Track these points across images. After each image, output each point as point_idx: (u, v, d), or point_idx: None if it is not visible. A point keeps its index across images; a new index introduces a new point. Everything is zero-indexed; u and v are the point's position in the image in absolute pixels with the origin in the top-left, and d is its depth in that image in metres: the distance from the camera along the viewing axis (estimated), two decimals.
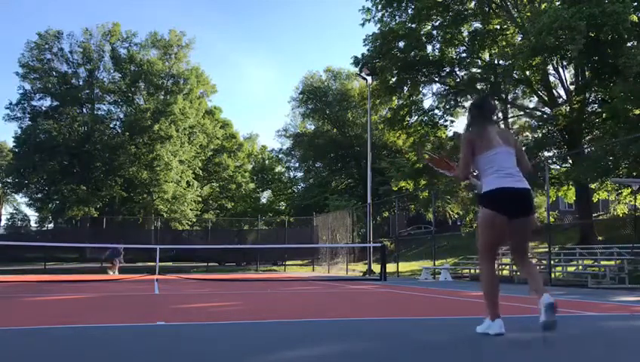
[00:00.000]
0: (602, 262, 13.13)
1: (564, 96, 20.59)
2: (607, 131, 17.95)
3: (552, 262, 12.75)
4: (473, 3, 21.94)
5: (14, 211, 53.41)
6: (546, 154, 20.87)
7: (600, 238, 18.52)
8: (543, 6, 19.07)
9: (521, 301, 6.69)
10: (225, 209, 45.65)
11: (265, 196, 52.03)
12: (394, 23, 22.02)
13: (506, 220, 3.68)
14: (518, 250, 3.88)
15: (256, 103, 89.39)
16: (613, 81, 16.42)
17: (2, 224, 44.69)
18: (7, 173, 36.84)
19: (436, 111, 23.43)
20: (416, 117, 23.62)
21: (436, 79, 22.66)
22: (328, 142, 41.39)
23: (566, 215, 29.44)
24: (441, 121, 23.47)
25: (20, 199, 47.08)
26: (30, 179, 35.08)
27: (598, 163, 15.87)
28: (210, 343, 3.49)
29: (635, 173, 15.44)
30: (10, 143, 38.86)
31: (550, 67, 19.82)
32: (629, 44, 16.18)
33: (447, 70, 22.31)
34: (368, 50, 21.69)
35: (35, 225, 40.02)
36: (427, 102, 31.94)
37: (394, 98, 23.23)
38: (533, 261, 13.01)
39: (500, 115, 22.65)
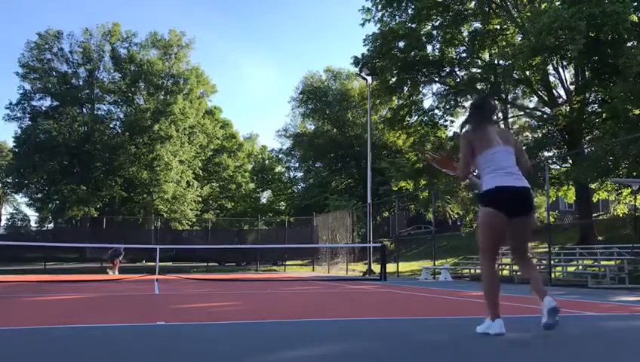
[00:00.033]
0: (602, 262, 13.13)
1: (564, 96, 20.60)
2: (607, 131, 17.95)
3: (552, 262, 12.76)
4: (473, 3, 21.94)
5: (14, 211, 53.50)
6: (546, 154, 20.90)
7: (600, 238, 18.52)
8: (543, 6, 19.07)
9: (521, 301, 6.68)
10: (225, 209, 45.66)
11: (265, 196, 52.07)
12: (394, 23, 22.02)
13: (506, 219, 3.68)
14: (518, 249, 3.90)
15: (256, 103, 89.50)
16: (613, 81, 16.42)
17: (2, 224, 44.74)
18: (7, 173, 36.86)
19: (436, 111, 23.47)
20: (416, 117, 23.63)
21: (436, 79, 22.66)
22: (328, 142, 41.40)
23: (566, 215, 29.44)
24: (441, 121, 23.49)
25: (20, 199, 47.17)
26: (30, 179, 35.09)
27: (598, 163, 15.87)
28: (210, 343, 3.49)
29: (635, 173, 15.44)
30: (10, 143, 38.94)
31: (550, 67, 19.82)
32: (629, 44, 16.18)
33: (447, 70, 22.31)
34: (368, 50, 21.70)
35: (35, 225, 40.10)
36: (427, 102, 31.98)
37: (394, 98, 23.23)
38: (534, 261, 13.00)
39: (500, 114, 22.65)
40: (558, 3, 17.67)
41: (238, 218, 40.84)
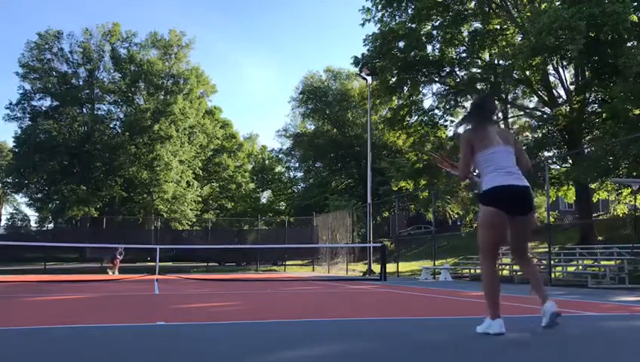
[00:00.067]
0: (602, 262, 13.13)
1: (564, 96, 20.59)
2: (607, 131, 17.95)
3: (552, 262, 12.76)
4: (473, 3, 21.94)
5: (14, 211, 53.51)
6: (546, 154, 20.90)
7: (600, 238, 18.52)
8: (543, 6, 19.07)
9: (521, 301, 6.69)
10: (225, 209, 45.66)
11: (265, 196, 52.08)
12: (394, 23, 22.01)
13: (506, 218, 3.69)
14: (519, 249, 3.91)
15: (256, 103, 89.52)
16: (613, 81, 16.42)
17: (2, 224, 44.74)
18: (7, 173, 36.86)
19: (436, 111, 23.46)
20: (416, 117, 23.63)
21: (436, 79, 22.66)
22: (328, 142, 41.40)
23: (566, 215, 29.44)
24: (441, 121, 23.49)
25: (20, 199, 47.18)
26: (30, 179, 35.09)
27: (598, 163, 15.87)
28: (210, 343, 3.49)
29: (635, 173, 15.44)
30: (10, 143, 38.94)
31: (550, 67, 19.82)
32: (629, 44, 16.17)
33: (447, 70, 22.31)
34: (368, 50, 21.69)
35: (35, 225, 40.10)
36: (427, 102, 31.96)
37: (394, 98, 23.23)
38: (534, 261, 13.01)
39: (500, 114, 22.65)
40: (558, 3, 17.67)
41: (238, 218, 40.84)
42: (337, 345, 3.46)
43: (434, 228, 20.19)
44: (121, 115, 38.29)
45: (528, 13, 20.26)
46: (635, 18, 15.54)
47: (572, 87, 20.31)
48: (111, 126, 37.86)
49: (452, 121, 23.59)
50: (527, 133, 22.57)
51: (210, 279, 15.19)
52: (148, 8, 70.46)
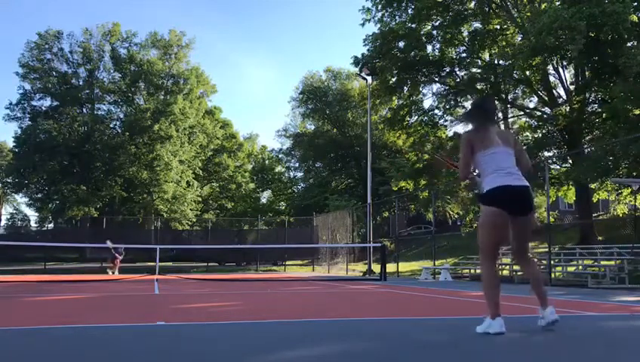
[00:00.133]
0: (602, 262, 13.13)
1: (564, 96, 20.59)
2: (607, 131, 17.95)
3: (552, 262, 12.76)
4: (473, 3, 21.93)
5: (14, 211, 53.52)
6: (546, 154, 20.90)
7: (600, 238, 18.52)
8: (543, 6, 19.07)
9: (521, 301, 6.69)
10: (225, 209, 45.66)
11: (265, 196, 52.07)
12: (394, 23, 22.01)
13: (508, 219, 3.71)
14: (520, 249, 3.94)
15: (256, 103, 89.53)
16: (613, 81, 16.42)
17: (2, 224, 44.77)
18: (7, 173, 36.86)
19: (436, 111, 23.46)
20: (416, 117, 23.63)
21: (436, 79, 22.66)
22: (328, 142, 41.40)
23: (566, 215, 29.44)
24: (441, 121, 23.49)
25: (20, 199, 47.18)
26: (30, 179, 35.09)
27: (598, 163, 15.87)
28: (210, 343, 3.49)
29: (635, 173, 15.44)
30: (10, 143, 38.94)
31: (550, 67, 19.82)
32: (629, 44, 16.17)
33: (447, 70, 22.30)
34: (368, 50, 21.69)
35: (35, 225, 40.10)
36: (427, 102, 32.00)
37: (394, 98, 23.23)
38: (534, 260, 13.01)
39: (500, 114, 22.65)
40: (558, 3, 17.66)
41: (238, 218, 40.84)
42: (337, 345, 3.46)
43: (434, 228, 20.19)
44: (121, 115, 38.30)
45: (528, 13, 20.26)
46: (635, 18, 15.54)
47: (572, 87, 20.31)
48: (111, 126, 37.86)
49: (452, 121, 23.63)
50: (527, 133, 22.58)
51: (210, 279, 15.19)
52: (148, 8, 70.54)
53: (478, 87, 21.52)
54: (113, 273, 19.44)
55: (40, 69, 35.86)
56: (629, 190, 18.60)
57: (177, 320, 5.00)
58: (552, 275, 12.62)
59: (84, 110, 37.55)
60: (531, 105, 23.36)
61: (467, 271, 17.00)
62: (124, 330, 4.33)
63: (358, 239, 26.84)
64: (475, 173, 4.13)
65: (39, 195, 37.16)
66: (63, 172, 34.38)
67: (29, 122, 35.61)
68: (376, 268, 18.01)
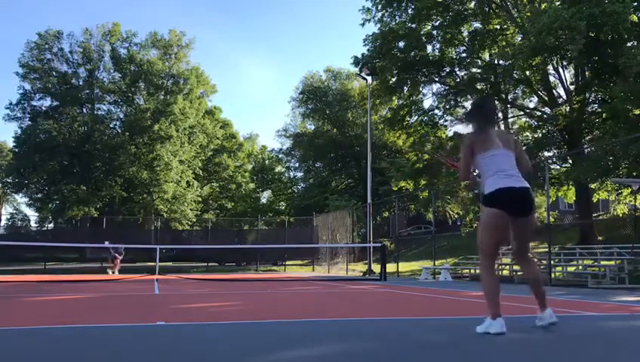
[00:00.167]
0: (602, 262, 13.13)
1: (564, 96, 20.59)
2: (607, 131, 17.95)
3: (552, 262, 12.76)
4: (473, 3, 21.93)
5: (14, 211, 53.53)
6: (546, 154, 20.90)
7: (600, 238, 18.51)
8: (543, 6, 19.07)
9: (521, 301, 6.68)
10: (225, 209, 45.66)
11: (265, 196, 52.08)
12: (394, 23, 22.01)
13: (509, 220, 3.74)
14: (520, 249, 3.97)
15: (256, 103, 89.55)
16: (613, 81, 16.42)
17: (2, 224, 44.76)
18: (7, 173, 36.86)
19: (436, 111, 23.46)
20: (416, 117, 23.63)
21: (436, 79, 22.66)
22: (328, 142, 41.40)
23: (566, 215, 29.44)
24: (441, 121, 23.49)
25: (20, 199, 47.20)
26: (30, 179, 35.10)
27: (598, 163, 15.87)
28: (210, 343, 3.49)
29: (635, 173, 15.44)
30: (10, 143, 38.95)
31: (550, 67, 19.82)
32: (629, 44, 16.17)
33: (447, 70, 22.30)
34: (368, 50, 21.69)
35: (35, 225, 40.10)
36: (427, 102, 31.98)
37: (394, 98, 23.23)
38: (534, 260, 13.02)
39: (500, 114, 22.64)
40: (558, 3, 17.66)
41: (238, 218, 40.84)
42: (337, 345, 3.46)
43: (434, 228, 20.19)
44: (121, 115, 38.31)
45: (528, 13, 20.26)
46: (635, 18, 15.54)
47: (572, 87, 20.30)
48: (111, 126, 37.87)
49: (452, 121, 23.63)
50: (527, 133, 22.58)
51: (210, 279, 15.19)
52: (148, 8, 70.55)
53: (478, 87, 21.52)
54: (113, 273, 19.44)
55: (40, 69, 35.87)
56: (629, 190, 18.60)
57: (177, 320, 5.00)
58: (552, 275, 12.62)
59: (84, 110, 37.56)
60: (531, 105, 23.39)
61: (467, 271, 17.00)
62: (124, 330, 4.33)
63: (358, 239, 26.83)
64: (475, 173, 4.16)
65: (39, 195, 37.17)
66: (63, 172, 34.38)
67: (29, 122, 35.63)
68: (376, 268, 18.01)
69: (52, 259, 25.94)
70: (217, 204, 45.93)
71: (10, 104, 36.60)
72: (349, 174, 41.40)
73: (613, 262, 12.86)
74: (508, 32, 21.66)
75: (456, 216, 32.17)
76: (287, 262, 27.80)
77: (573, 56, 16.20)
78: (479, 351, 3.18)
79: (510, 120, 24.47)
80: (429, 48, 22.47)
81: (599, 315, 5.57)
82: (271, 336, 3.89)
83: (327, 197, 34.88)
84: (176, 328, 4.44)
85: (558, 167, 20.66)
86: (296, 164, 47.19)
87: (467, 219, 29.78)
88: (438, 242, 20.67)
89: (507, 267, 14.99)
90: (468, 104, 22.19)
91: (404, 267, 20.52)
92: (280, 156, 48.33)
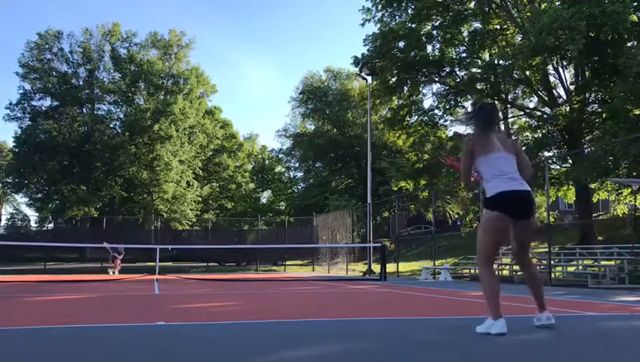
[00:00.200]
0: (602, 262, 13.12)
1: (564, 96, 20.60)
2: (607, 131, 17.95)
3: (552, 262, 12.76)
4: (473, 3, 21.93)
5: (14, 211, 53.51)
6: (546, 154, 20.90)
7: (600, 238, 18.51)
8: (543, 6, 19.07)
9: (521, 301, 6.68)
10: (225, 209, 45.66)
11: (265, 196, 52.07)
12: (394, 23, 22.02)
13: (510, 223, 3.77)
14: (520, 250, 4.02)
15: (256, 103, 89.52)
16: (613, 81, 16.42)
17: (2, 224, 44.76)
18: (7, 173, 36.86)
19: (436, 111, 23.45)
20: (416, 117, 23.63)
21: (436, 79, 22.66)
22: (328, 142, 41.40)
23: (566, 215, 29.43)
24: (441, 121, 23.49)
25: (20, 199, 47.18)
26: (30, 179, 35.10)
27: (598, 163, 15.87)
28: (210, 343, 3.49)
29: (635, 173, 15.44)
30: (10, 143, 38.95)
31: (550, 67, 19.82)
32: (629, 44, 16.17)
33: (447, 70, 22.30)
34: (368, 50, 21.69)
35: (35, 225, 40.11)
36: (427, 102, 31.97)
37: (394, 98, 23.23)
38: (534, 261, 13.04)
39: (500, 115, 22.63)
40: (558, 3, 17.66)
41: (238, 218, 40.84)
42: (337, 345, 3.46)
43: (434, 228, 20.18)
44: (121, 115, 38.31)
45: (528, 13, 20.26)
46: (635, 18, 15.54)
47: (572, 87, 20.30)
48: (111, 126, 37.87)
49: (452, 121, 23.63)
50: (527, 133, 22.59)
51: (210, 279, 15.19)
52: (148, 8, 70.54)
53: (478, 87, 21.53)
54: (114, 273, 19.45)
55: (40, 69, 35.86)
56: (629, 190, 18.60)
57: (177, 320, 5.00)
58: (552, 275, 12.62)
59: (84, 110, 37.56)
60: (531, 105, 23.39)
61: (467, 271, 17.00)
62: (124, 330, 4.33)
63: (358, 239, 26.83)
64: (474, 174, 4.19)
65: (39, 195, 37.16)
66: (63, 172, 34.38)
67: (29, 122, 35.63)
68: (376, 268, 18.01)
69: (52, 259, 25.94)
70: (217, 204, 45.93)
71: (10, 104, 36.66)
72: (349, 174, 41.40)
73: (613, 262, 12.86)
74: (508, 32, 21.66)
75: (456, 216, 32.17)
76: (287, 262, 27.79)
77: (573, 56, 16.20)
78: (479, 351, 3.18)
79: (510, 120, 24.47)
80: (429, 48, 22.51)
81: (599, 315, 5.57)
82: (271, 336, 3.89)
83: (327, 197, 34.88)
84: (176, 328, 4.44)
85: (558, 167, 20.66)
86: (296, 164, 47.21)
87: (467, 219, 29.79)
88: (438, 242, 20.67)
89: (507, 267, 14.99)
90: (468, 104, 22.23)
91: (404, 267, 20.52)
92: (280, 156, 48.37)
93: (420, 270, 18.04)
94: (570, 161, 19.47)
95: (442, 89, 23.15)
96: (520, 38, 20.70)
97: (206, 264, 26.64)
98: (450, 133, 23.65)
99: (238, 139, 48.42)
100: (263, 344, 3.48)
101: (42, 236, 31.01)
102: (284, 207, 46.67)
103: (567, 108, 19.47)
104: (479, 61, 22.21)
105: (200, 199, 39.84)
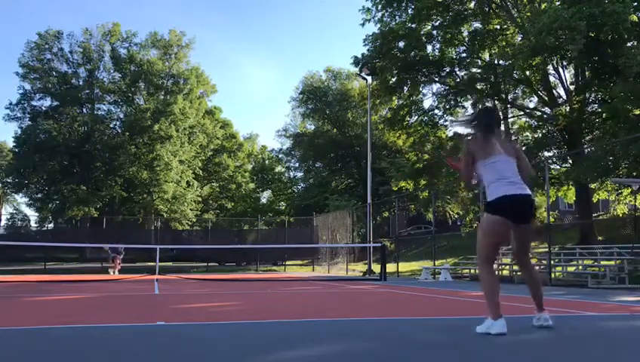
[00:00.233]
0: (602, 262, 13.13)
1: (564, 96, 20.60)
2: (607, 131, 17.95)
3: (552, 262, 12.76)
4: (473, 3, 21.93)
5: (14, 211, 53.51)
6: (546, 154, 20.90)
7: (600, 238, 18.51)
8: (543, 6, 19.07)
9: (521, 301, 6.68)
10: (225, 209, 45.65)
11: (265, 196, 52.07)
12: (394, 23, 22.02)
13: (510, 226, 3.81)
14: (520, 251, 4.05)
15: (256, 103, 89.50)
16: (613, 81, 16.42)
17: (2, 224, 44.75)
18: (7, 173, 36.85)
19: (436, 111, 23.46)
20: (416, 117, 23.63)
21: (436, 79, 22.66)
22: (328, 142, 41.39)
23: (566, 215, 29.43)
24: (441, 121, 23.50)
25: (20, 199, 47.17)
26: (30, 179, 35.09)
27: (598, 163, 15.87)
28: (210, 343, 3.49)
29: (635, 173, 15.44)
30: (10, 143, 38.94)
31: (550, 67, 19.82)
32: (629, 44, 16.17)
33: (447, 70, 22.30)
34: (368, 50, 21.69)
35: (35, 225, 40.10)
36: (427, 102, 31.94)
37: (394, 98, 23.23)
38: (533, 261, 13.04)
39: (500, 114, 22.63)
40: (558, 3, 17.66)
41: (238, 218, 40.84)
42: (337, 345, 3.46)
43: (434, 228, 20.19)
44: (121, 115, 38.30)
45: (528, 13, 20.26)
46: (635, 18, 15.54)
47: (572, 87, 20.31)
48: (111, 126, 37.86)
49: (452, 121, 23.64)
50: (527, 133, 22.58)
51: (210, 279, 15.19)
52: (148, 8, 70.53)
53: (478, 87, 21.53)
54: (114, 273, 19.46)
55: (40, 69, 35.85)
56: (629, 190, 18.59)
57: (177, 320, 5.00)
58: (552, 275, 12.62)
59: (84, 110, 37.55)
60: (531, 105, 23.39)
61: (467, 271, 17.00)
62: (124, 330, 4.33)
63: (358, 239, 26.83)
64: (475, 175, 4.20)
65: (39, 195, 37.15)
66: (63, 172, 34.38)
67: (29, 122, 35.61)
68: (376, 268, 18.01)
69: (52, 259, 25.93)
70: (217, 204, 45.93)
71: (10, 104, 36.64)
72: (349, 174, 41.40)
73: (613, 262, 12.86)
74: (508, 32, 21.66)
75: (456, 216, 32.17)
76: (287, 262, 27.79)
77: (573, 56, 16.20)
78: (479, 351, 3.18)
79: (510, 120, 24.47)
80: (429, 48, 22.51)
81: (599, 315, 5.57)
82: (271, 336, 3.89)
83: (327, 197, 34.88)
84: (176, 328, 4.44)
85: (558, 167, 20.66)
86: (296, 164, 47.21)
87: (467, 219, 29.79)
88: (438, 242, 20.67)
89: (507, 267, 14.99)
90: (468, 104, 22.24)
91: (404, 267, 20.52)
92: (280, 156, 48.36)
93: (420, 270, 18.04)
94: (570, 161, 19.47)
95: (442, 89, 23.16)
96: (520, 38, 20.71)
97: (206, 264, 26.64)
98: (450, 133, 23.68)
99: (238, 139, 48.42)
100: (263, 344, 3.48)
101: (42, 236, 31.00)
102: (284, 207, 46.67)
103: (567, 108, 19.47)
104: (479, 61, 22.21)
105: (200, 199, 39.84)
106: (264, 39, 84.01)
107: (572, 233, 21.04)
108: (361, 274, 20.15)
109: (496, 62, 21.88)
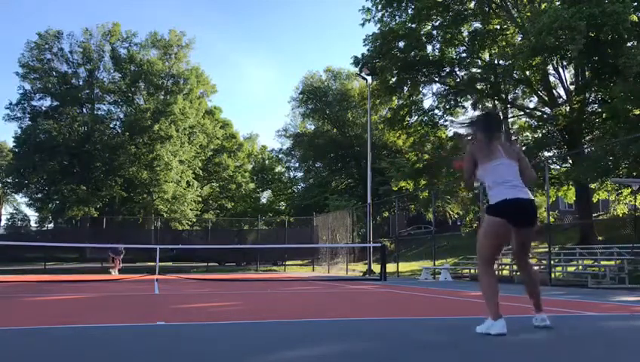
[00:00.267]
0: (602, 262, 13.13)
1: (564, 96, 20.60)
2: (607, 131, 17.95)
3: (552, 262, 12.75)
4: (473, 3, 21.93)
5: (14, 211, 53.51)
6: (546, 154, 20.90)
7: (600, 238, 18.51)
8: (543, 6, 19.07)
9: (521, 301, 6.68)
10: (225, 209, 45.65)
11: (265, 196, 52.07)
12: (394, 23, 22.02)
13: (511, 229, 3.84)
14: (520, 251, 4.06)
15: (256, 103, 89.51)
16: (613, 81, 16.42)
17: (2, 224, 44.76)
18: (7, 173, 36.85)
19: (436, 111, 23.46)
20: (416, 117, 23.64)
21: (436, 79, 22.66)
22: (328, 142, 41.39)
23: (566, 215, 29.43)
24: (441, 121, 23.50)
25: (20, 199, 47.17)
26: (30, 179, 35.08)
27: (598, 163, 15.87)
28: (210, 343, 3.49)
29: (635, 173, 15.44)
30: (10, 143, 38.94)
31: (550, 67, 19.82)
32: (629, 44, 16.17)
33: (447, 70, 22.31)
34: (368, 50, 21.70)
35: (35, 225, 40.09)
36: (427, 102, 31.96)
37: (394, 98, 23.23)
38: (533, 261, 13.05)
39: (500, 114, 22.64)
40: (558, 3, 17.66)
41: (238, 218, 40.83)
42: (337, 345, 3.46)
43: (434, 228, 20.18)
44: (121, 115, 38.30)
45: (528, 13, 20.26)
46: (635, 18, 15.54)
47: (572, 87, 20.31)
48: (111, 126, 37.86)
49: (452, 121, 23.64)
50: (527, 133, 22.58)
51: (210, 279, 15.19)
52: (148, 8, 70.54)
53: (478, 87, 21.53)
54: (114, 273, 19.46)
55: (40, 69, 35.85)
56: (629, 190, 18.59)
57: (177, 320, 5.00)
58: (552, 275, 12.62)
59: (84, 110, 37.55)
60: (531, 105, 23.38)
61: (467, 271, 17.00)
62: (124, 330, 4.33)
63: (358, 239, 26.83)
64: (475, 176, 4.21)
65: (39, 195, 37.15)
66: (63, 172, 34.37)
67: (29, 122, 35.61)
68: (376, 268, 18.01)
69: (52, 259, 25.93)
70: (217, 204, 45.93)
71: (10, 104, 36.65)
72: (349, 174, 41.40)
73: (613, 262, 12.86)
74: (508, 32, 21.66)
75: (456, 216, 32.16)
76: (287, 262, 27.79)
77: (573, 56, 16.20)
78: (479, 351, 3.18)
79: (510, 120, 24.47)
80: (429, 48, 22.52)
81: (599, 315, 5.57)
82: (271, 336, 3.89)
83: (327, 197, 34.87)
84: (176, 328, 4.44)
85: (558, 167, 20.66)
86: (296, 164, 47.21)
87: (467, 219, 29.77)
88: (438, 242, 20.67)
89: (507, 267, 14.99)
90: (468, 104, 22.25)
91: (404, 267, 20.52)
92: (280, 156, 48.36)
93: (420, 270, 18.04)
94: (570, 161, 19.47)
95: (442, 89, 23.16)
96: (520, 38, 20.71)
97: (206, 264, 26.64)
98: (450, 133, 23.69)
99: (238, 139, 48.42)
100: (263, 344, 3.48)
101: (42, 236, 30.99)
102: (284, 207, 46.67)
103: (567, 108, 19.47)
104: (479, 61, 22.21)
105: (200, 199, 39.84)
106: (264, 39, 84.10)
107: (572, 233, 21.04)
108: (361, 274, 20.15)
109: (496, 62, 21.88)
